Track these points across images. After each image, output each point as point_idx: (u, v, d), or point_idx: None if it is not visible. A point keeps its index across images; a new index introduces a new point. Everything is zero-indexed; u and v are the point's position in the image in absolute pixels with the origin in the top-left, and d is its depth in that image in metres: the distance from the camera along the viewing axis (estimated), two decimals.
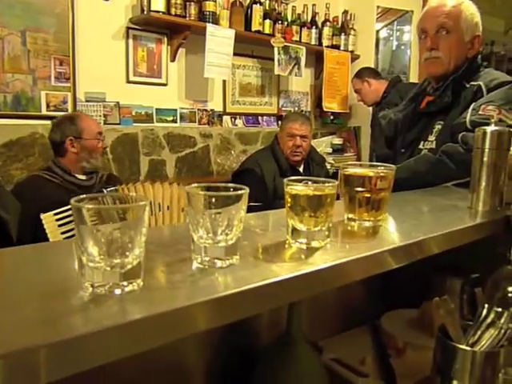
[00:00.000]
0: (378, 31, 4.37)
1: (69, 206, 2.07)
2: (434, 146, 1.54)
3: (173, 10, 3.04)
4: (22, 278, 0.56)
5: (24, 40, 2.69)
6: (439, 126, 1.56)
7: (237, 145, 3.74)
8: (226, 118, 3.74)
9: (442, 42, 1.57)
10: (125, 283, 0.49)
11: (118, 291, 0.48)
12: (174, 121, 3.40)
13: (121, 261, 0.48)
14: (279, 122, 3.99)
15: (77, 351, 0.42)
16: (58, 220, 2.06)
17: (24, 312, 0.46)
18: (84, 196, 0.49)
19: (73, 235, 2.05)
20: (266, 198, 2.81)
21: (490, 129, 1.07)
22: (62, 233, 2.05)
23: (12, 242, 0.90)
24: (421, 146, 1.60)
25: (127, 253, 0.48)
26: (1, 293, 0.52)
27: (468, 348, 0.85)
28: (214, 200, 0.57)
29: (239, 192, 0.58)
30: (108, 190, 2.26)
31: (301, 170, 3.16)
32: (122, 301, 0.48)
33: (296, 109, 4.19)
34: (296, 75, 3.91)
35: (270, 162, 3.03)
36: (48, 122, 2.76)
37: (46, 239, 2.03)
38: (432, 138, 1.57)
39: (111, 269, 0.48)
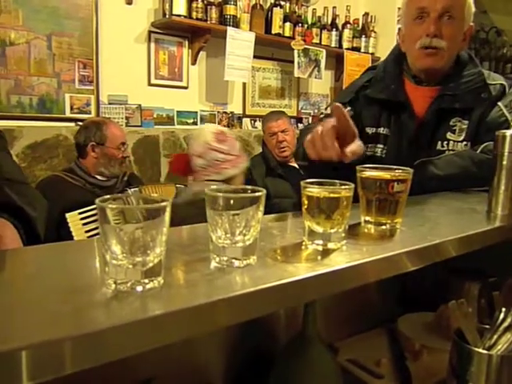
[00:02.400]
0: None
1: (93, 206, 2.14)
2: (464, 146, 1.39)
3: (194, 14, 3.08)
4: (48, 274, 0.59)
5: (49, 44, 2.75)
6: (461, 125, 1.41)
7: (256, 147, 3.75)
8: (246, 121, 3.76)
9: (446, 29, 1.37)
10: (146, 280, 0.50)
11: (139, 288, 0.50)
12: (195, 123, 3.44)
13: (142, 259, 0.49)
14: (299, 125, 4.01)
15: (100, 344, 0.43)
16: (82, 219, 2.11)
17: (50, 306, 0.48)
18: (109, 196, 0.51)
19: (96, 234, 2.10)
20: None
21: (509, 132, 1.06)
22: (86, 231, 2.10)
23: (40, 240, 0.93)
24: (439, 147, 1.41)
25: (149, 251, 0.50)
26: (28, 287, 0.54)
27: (484, 351, 0.85)
28: (232, 201, 0.59)
29: (257, 194, 0.60)
30: (132, 189, 2.31)
31: (295, 165, 3.21)
32: (143, 297, 0.49)
33: (316, 111, 4.19)
34: (316, 77, 3.92)
35: (260, 165, 3.16)
36: (72, 124, 2.83)
37: (70, 238, 2.08)
38: (457, 137, 1.40)
39: (133, 267, 0.50)
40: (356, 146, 1.05)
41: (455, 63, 1.47)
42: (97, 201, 0.49)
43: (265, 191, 0.61)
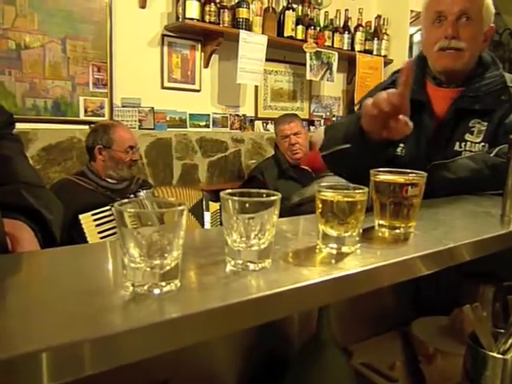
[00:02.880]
0: (411, 35, 4.33)
1: (106, 208, 2.16)
2: (482, 147, 1.38)
3: (207, 18, 3.10)
4: (65, 276, 0.59)
5: (64, 47, 2.79)
6: (480, 126, 1.40)
7: (268, 149, 3.76)
8: (258, 123, 3.77)
9: (464, 30, 1.38)
10: (163, 283, 0.51)
11: (156, 291, 0.51)
12: (207, 126, 3.45)
13: (160, 262, 0.50)
14: (311, 128, 4.01)
15: (118, 346, 0.44)
16: (95, 220, 2.13)
17: (69, 308, 0.48)
18: (126, 200, 0.52)
19: (109, 235, 2.12)
20: None
21: None
22: (99, 232, 2.12)
23: (56, 243, 0.94)
24: (457, 148, 1.41)
25: (166, 255, 0.50)
26: (46, 289, 0.55)
27: (499, 355, 0.84)
28: (247, 205, 0.59)
29: (272, 198, 0.60)
30: (144, 190, 2.33)
31: (307, 167, 3.22)
32: (161, 300, 0.50)
33: (328, 114, 4.19)
34: (328, 80, 3.92)
35: (272, 167, 3.19)
36: (86, 127, 2.86)
37: (82, 241, 2.10)
38: (475, 138, 1.40)
39: (151, 269, 0.50)
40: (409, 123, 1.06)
41: (477, 65, 1.46)
42: (115, 205, 0.50)
43: (280, 195, 0.61)
